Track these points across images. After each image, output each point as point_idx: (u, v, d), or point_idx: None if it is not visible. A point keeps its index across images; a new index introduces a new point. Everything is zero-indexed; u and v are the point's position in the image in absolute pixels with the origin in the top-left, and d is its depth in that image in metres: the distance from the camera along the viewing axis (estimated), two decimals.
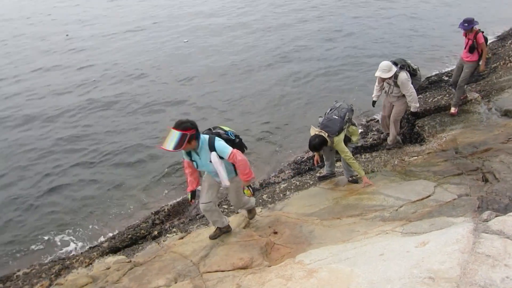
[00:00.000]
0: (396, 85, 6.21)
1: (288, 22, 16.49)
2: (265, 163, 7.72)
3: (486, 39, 6.87)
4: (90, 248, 5.89)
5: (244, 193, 4.31)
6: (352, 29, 14.84)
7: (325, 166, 6.22)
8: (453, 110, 7.32)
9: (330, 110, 5.48)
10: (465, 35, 6.97)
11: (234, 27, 16.56)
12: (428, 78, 10.02)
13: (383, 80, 6.44)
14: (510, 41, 10.97)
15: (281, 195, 6.03)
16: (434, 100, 8.24)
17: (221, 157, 3.94)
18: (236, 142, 4.26)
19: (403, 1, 18.19)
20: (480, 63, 6.97)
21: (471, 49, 6.88)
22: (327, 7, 18.11)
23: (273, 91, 10.72)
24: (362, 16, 16.35)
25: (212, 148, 3.91)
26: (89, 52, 15.24)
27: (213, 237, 4.69)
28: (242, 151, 4.28)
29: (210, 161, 3.93)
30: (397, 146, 6.98)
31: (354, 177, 5.86)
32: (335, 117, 5.27)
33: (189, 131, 3.70)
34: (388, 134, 7.15)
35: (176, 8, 21.32)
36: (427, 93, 8.93)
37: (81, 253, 5.76)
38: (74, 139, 9.03)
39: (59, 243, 6.11)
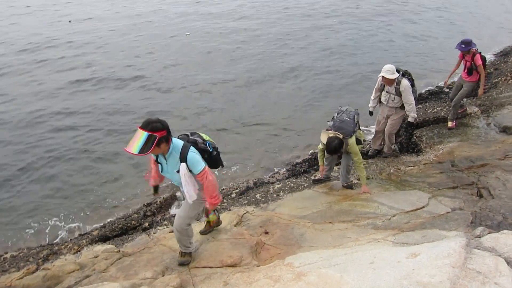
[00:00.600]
0: (397, 93, 6.19)
1: (292, 32, 16.29)
2: (261, 163, 7.70)
3: (484, 59, 6.85)
4: (79, 235, 5.86)
5: (207, 219, 4.18)
6: (355, 44, 14.68)
7: None
8: (450, 124, 7.34)
9: (338, 114, 5.39)
10: (462, 56, 6.97)
11: (236, 31, 16.37)
12: (428, 89, 10.04)
13: (380, 90, 6.43)
14: None
15: (275, 195, 6.02)
16: (433, 111, 8.26)
17: (190, 171, 3.45)
18: (213, 155, 3.79)
19: (404, 16, 18.12)
20: (480, 83, 6.95)
21: (470, 70, 6.87)
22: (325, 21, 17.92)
23: (270, 91, 10.71)
24: (364, 30, 16.22)
25: (183, 158, 3.39)
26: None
27: (203, 232, 4.65)
28: (217, 166, 3.94)
29: (178, 171, 3.45)
30: (393, 155, 6.98)
31: (349, 183, 5.84)
32: (347, 118, 5.22)
33: (158, 133, 3.16)
34: (375, 150, 7.15)
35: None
36: (427, 103, 8.95)
37: (70, 239, 5.73)
38: (69, 127, 8.96)
39: (48, 229, 6.08)
